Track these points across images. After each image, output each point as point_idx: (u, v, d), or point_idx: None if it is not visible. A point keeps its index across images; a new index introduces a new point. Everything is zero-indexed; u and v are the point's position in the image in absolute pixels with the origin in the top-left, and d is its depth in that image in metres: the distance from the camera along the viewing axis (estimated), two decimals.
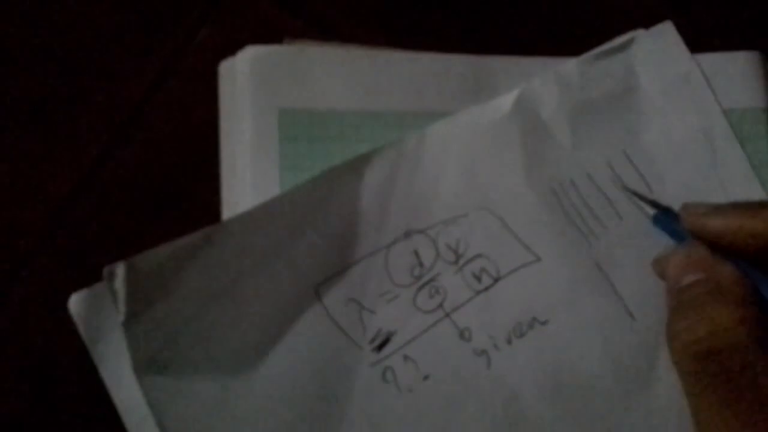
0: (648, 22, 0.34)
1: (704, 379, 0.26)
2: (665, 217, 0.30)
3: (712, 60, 0.33)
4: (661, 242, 0.30)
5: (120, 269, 0.27)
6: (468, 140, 0.32)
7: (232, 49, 0.33)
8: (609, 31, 0.34)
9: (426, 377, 0.30)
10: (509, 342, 0.30)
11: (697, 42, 0.33)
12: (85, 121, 0.34)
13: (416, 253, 0.31)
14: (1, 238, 0.33)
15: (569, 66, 0.33)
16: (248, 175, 0.32)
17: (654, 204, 0.31)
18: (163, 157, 0.34)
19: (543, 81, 0.33)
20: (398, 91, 0.33)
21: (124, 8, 0.36)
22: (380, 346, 0.30)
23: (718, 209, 0.29)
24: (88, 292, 0.28)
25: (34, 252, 0.33)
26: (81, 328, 0.28)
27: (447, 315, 0.30)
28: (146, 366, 0.27)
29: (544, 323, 0.30)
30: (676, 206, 0.31)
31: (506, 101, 0.32)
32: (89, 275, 0.28)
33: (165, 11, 0.36)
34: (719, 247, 0.28)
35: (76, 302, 0.28)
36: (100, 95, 0.34)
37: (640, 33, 0.33)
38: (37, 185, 0.33)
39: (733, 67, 0.33)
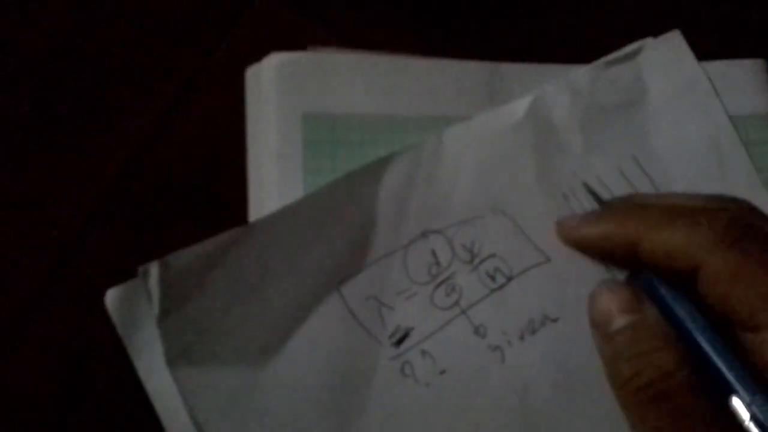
0: (657, 30, 0.35)
1: (654, 422, 0.26)
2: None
3: (719, 67, 0.34)
4: None
5: (154, 268, 0.29)
6: (483, 144, 0.33)
7: (257, 55, 0.34)
8: (620, 39, 0.35)
9: (443, 371, 0.31)
10: (522, 338, 0.31)
11: (706, 49, 0.34)
12: (115, 126, 0.36)
13: (433, 253, 0.32)
14: (35, 241, 0.34)
15: (580, 73, 0.34)
16: (273, 177, 0.33)
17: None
18: (191, 161, 0.35)
19: (555, 87, 0.34)
20: (416, 96, 0.34)
21: (153, 17, 0.37)
22: (399, 342, 0.31)
23: (586, 218, 0.30)
24: (123, 288, 0.29)
25: (69, 253, 0.34)
26: (116, 322, 0.29)
27: (463, 312, 0.32)
28: (178, 358, 0.29)
29: (555, 321, 0.31)
30: None
31: (520, 106, 0.33)
32: (121, 275, 0.29)
33: (193, 20, 0.37)
34: (596, 253, 0.29)
35: (111, 297, 0.29)
36: (129, 100, 0.36)
37: (648, 41, 0.34)
38: (71, 188, 0.35)
39: (739, 74, 0.34)
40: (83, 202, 0.35)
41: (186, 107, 0.36)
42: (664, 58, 0.34)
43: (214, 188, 0.34)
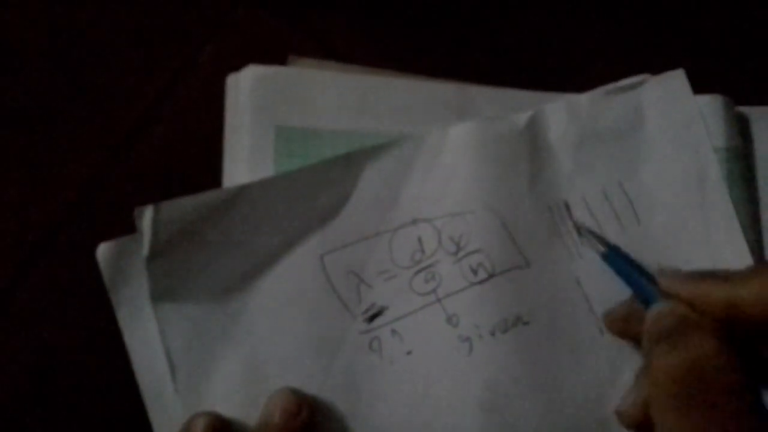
0: (619, 63, 0.36)
1: (684, 402, 0.26)
2: (613, 256, 0.33)
3: None
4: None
5: (149, 210, 0.30)
6: (484, 145, 0.34)
7: (239, 61, 0.35)
8: (586, 69, 0.37)
9: (409, 352, 0.32)
10: (493, 334, 0.32)
11: None
12: (95, 127, 0.37)
13: (419, 240, 0.33)
14: (7, 240, 0.35)
15: (581, 97, 0.35)
16: None
17: (605, 243, 0.33)
18: (170, 162, 0.36)
19: (555, 107, 0.35)
20: (387, 113, 0.35)
21: (138, 19, 0.38)
22: (372, 318, 0.32)
23: (690, 276, 0.30)
24: (114, 243, 0.31)
25: (41, 249, 0.35)
26: (105, 274, 0.31)
27: (438, 300, 0.32)
28: (162, 295, 0.31)
29: (526, 323, 0.32)
30: (661, 240, 0.34)
31: (521, 119, 0.34)
32: (94, 272, 0.31)
33: (177, 23, 0.38)
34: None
35: (103, 251, 0.31)
36: (111, 98, 0.37)
37: (652, 76, 0.35)
38: (46, 187, 0.36)
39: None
40: (58, 201, 0.36)
41: (167, 109, 0.37)
42: (665, 95, 0.35)
43: (190, 190, 0.33)
